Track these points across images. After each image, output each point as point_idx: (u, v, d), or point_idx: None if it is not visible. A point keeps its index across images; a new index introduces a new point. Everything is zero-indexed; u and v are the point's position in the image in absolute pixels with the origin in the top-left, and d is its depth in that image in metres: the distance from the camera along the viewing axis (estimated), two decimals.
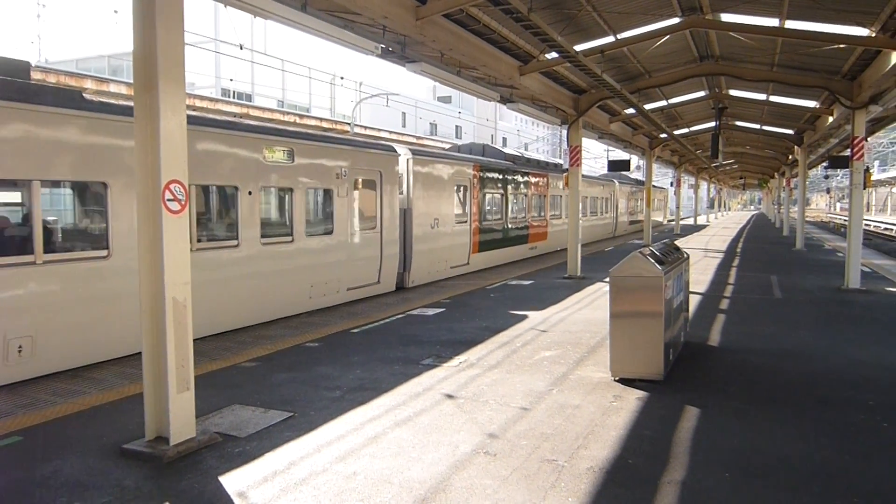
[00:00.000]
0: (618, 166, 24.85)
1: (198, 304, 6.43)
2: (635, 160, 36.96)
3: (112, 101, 9.21)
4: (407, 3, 9.73)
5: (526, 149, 65.11)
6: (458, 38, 11.40)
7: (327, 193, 12.30)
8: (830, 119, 19.33)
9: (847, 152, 17.88)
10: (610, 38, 13.37)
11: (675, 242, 10.02)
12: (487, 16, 11.16)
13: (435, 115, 56.62)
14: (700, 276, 16.35)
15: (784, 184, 39.00)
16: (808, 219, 48.16)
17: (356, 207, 13.08)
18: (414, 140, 35.54)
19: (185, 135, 5.32)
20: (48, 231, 7.79)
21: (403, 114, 51.65)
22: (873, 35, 11.50)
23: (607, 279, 7.37)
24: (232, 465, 5.04)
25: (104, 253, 8.21)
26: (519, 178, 21.27)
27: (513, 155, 22.27)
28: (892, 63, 11.51)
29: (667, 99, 21.02)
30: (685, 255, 9.27)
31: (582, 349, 8.71)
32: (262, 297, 10.85)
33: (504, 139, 68.37)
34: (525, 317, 11.05)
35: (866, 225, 49.50)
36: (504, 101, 16.79)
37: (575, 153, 17.14)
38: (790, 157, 33.02)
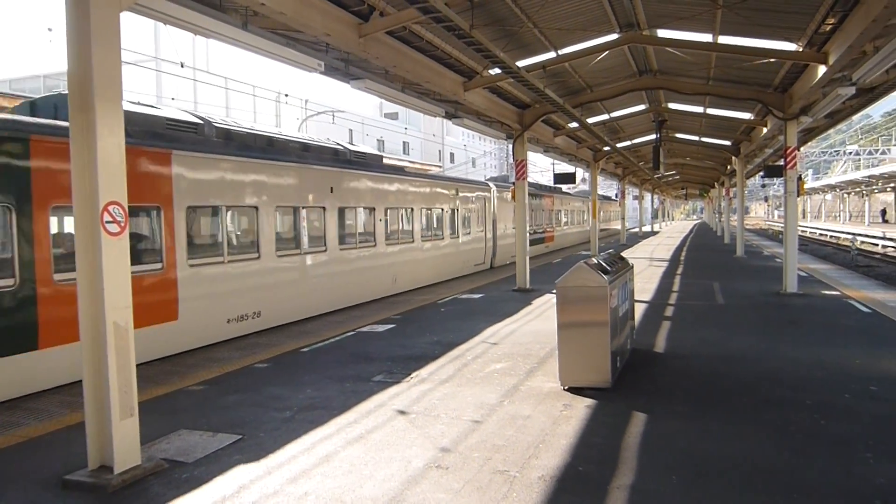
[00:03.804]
0: (563, 179, 25.25)
1: (430, 269, 18.93)
2: (580, 173, 37.61)
3: (392, 163, 20.60)
4: (349, 20, 9.75)
5: (473, 164, 65.73)
6: (401, 54, 11.47)
7: (468, 211, 21.91)
8: (765, 130, 20.07)
9: (781, 162, 18.57)
10: (551, 54, 13.64)
11: (621, 252, 10.23)
12: (430, 33, 11.26)
13: (382, 131, 56.55)
14: (646, 285, 16.71)
15: (724, 193, 40.23)
16: (747, 226, 49.67)
17: (476, 219, 22.66)
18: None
19: (124, 155, 5.21)
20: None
21: (350, 130, 51.41)
22: (800, 49, 12.03)
23: (555, 290, 7.48)
24: (179, 491, 4.92)
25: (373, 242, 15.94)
26: (540, 199, 31.14)
27: (535, 183, 33.56)
28: (819, 76, 12.02)
29: (609, 113, 21.49)
30: (630, 265, 9.48)
31: (532, 360, 8.81)
32: (448, 266, 20.28)
33: (451, 154, 68.68)
34: (476, 330, 11.10)
35: (802, 231, 51.38)
36: (449, 116, 16.92)
37: (521, 167, 17.38)
38: (729, 167, 34.08)
